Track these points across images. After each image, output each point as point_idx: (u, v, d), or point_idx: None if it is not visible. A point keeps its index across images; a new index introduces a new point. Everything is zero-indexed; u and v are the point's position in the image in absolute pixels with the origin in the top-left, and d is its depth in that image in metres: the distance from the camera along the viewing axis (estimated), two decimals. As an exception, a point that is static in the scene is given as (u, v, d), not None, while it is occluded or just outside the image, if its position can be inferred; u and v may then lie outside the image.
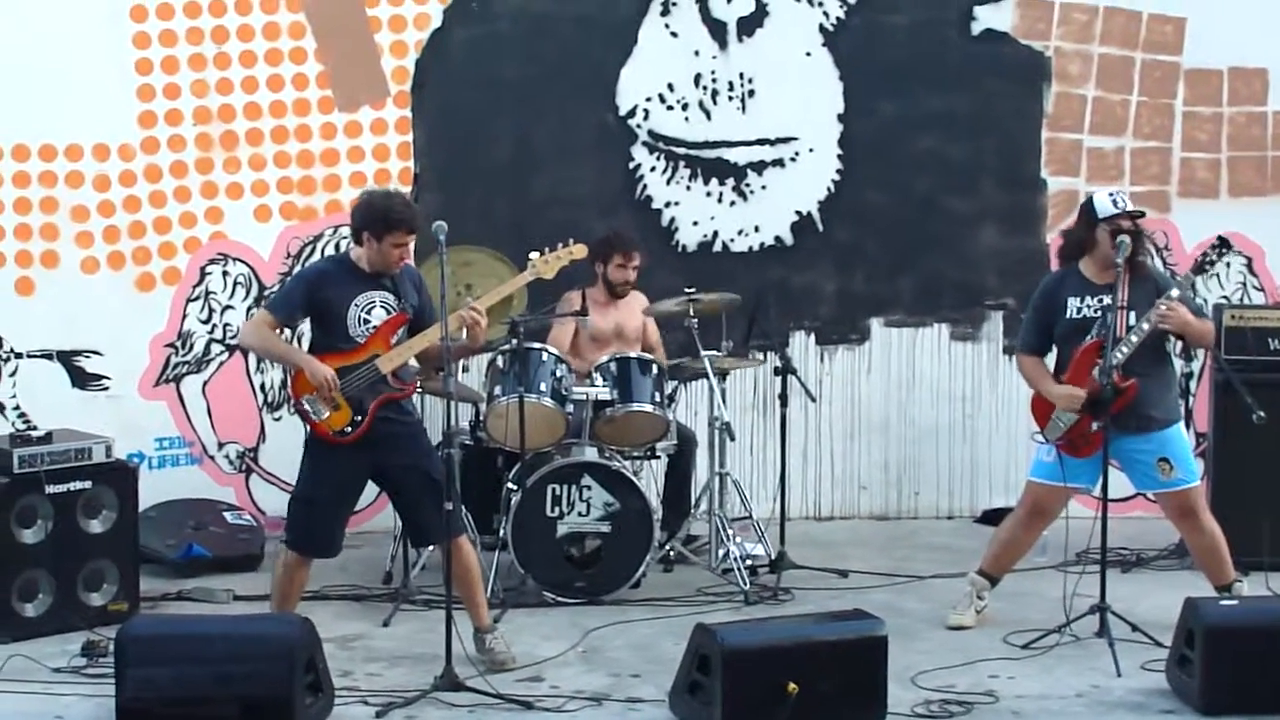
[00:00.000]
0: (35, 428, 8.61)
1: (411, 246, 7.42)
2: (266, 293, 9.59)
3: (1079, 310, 7.85)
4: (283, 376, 9.66)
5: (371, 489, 7.69)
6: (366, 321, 7.34)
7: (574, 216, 9.63)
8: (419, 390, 8.59)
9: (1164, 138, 10.29)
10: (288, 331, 8.00)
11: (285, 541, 7.52)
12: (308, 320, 7.53)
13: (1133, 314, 7.67)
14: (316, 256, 9.68)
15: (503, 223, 9.87)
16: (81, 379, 9.50)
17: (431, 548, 8.27)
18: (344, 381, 7.27)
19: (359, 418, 7.32)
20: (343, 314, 7.32)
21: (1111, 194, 7.92)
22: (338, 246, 9.67)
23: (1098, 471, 7.73)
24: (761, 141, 10.17)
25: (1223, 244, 7.84)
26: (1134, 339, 7.65)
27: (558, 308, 9.03)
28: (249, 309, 9.65)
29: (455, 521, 7.27)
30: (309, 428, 7.40)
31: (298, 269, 9.49)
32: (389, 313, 7.37)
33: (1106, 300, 7.73)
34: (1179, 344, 8.92)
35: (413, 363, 7.62)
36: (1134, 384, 7.66)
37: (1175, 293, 7.70)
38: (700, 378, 9.27)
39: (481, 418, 8.74)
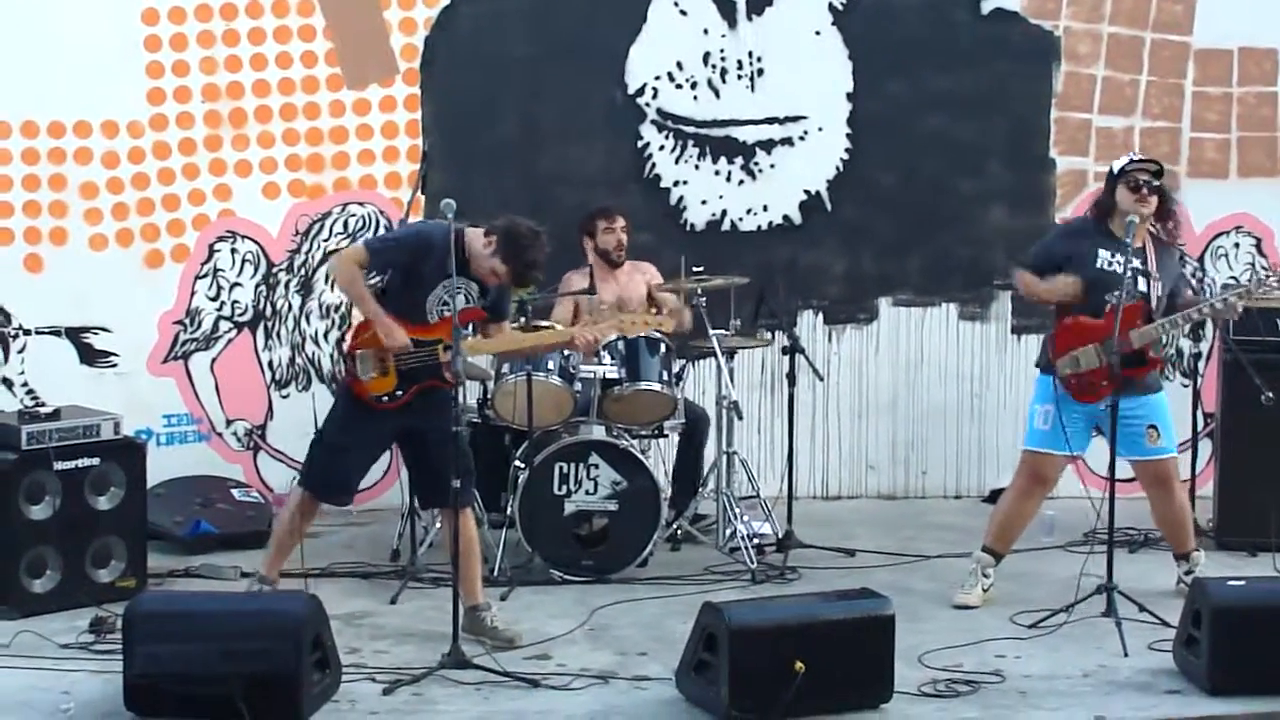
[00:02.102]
0: (44, 404, 8.62)
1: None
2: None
3: (1109, 263, 7.87)
4: (290, 354, 9.69)
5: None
6: (445, 304, 7.29)
7: (582, 195, 9.65)
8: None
9: (1173, 118, 10.26)
10: None
11: (300, 482, 7.52)
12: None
13: (1159, 284, 7.73)
14: (325, 234, 9.70)
15: (511, 200, 9.82)
16: (90, 356, 9.49)
17: (437, 526, 8.30)
18: (404, 354, 7.31)
19: (399, 392, 7.34)
20: (429, 290, 7.31)
21: (1129, 155, 8.23)
22: (346, 224, 9.68)
23: (1088, 436, 7.88)
24: (770, 120, 10.14)
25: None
26: (1182, 322, 7.81)
27: (560, 287, 9.04)
28: (257, 287, 9.66)
29: (465, 495, 7.28)
30: (346, 379, 7.39)
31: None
32: (469, 303, 7.37)
33: (1136, 264, 7.77)
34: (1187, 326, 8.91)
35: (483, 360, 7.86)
36: (1160, 361, 7.75)
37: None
38: (708, 356, 9.26)
39: (489, 395, 8.73)
